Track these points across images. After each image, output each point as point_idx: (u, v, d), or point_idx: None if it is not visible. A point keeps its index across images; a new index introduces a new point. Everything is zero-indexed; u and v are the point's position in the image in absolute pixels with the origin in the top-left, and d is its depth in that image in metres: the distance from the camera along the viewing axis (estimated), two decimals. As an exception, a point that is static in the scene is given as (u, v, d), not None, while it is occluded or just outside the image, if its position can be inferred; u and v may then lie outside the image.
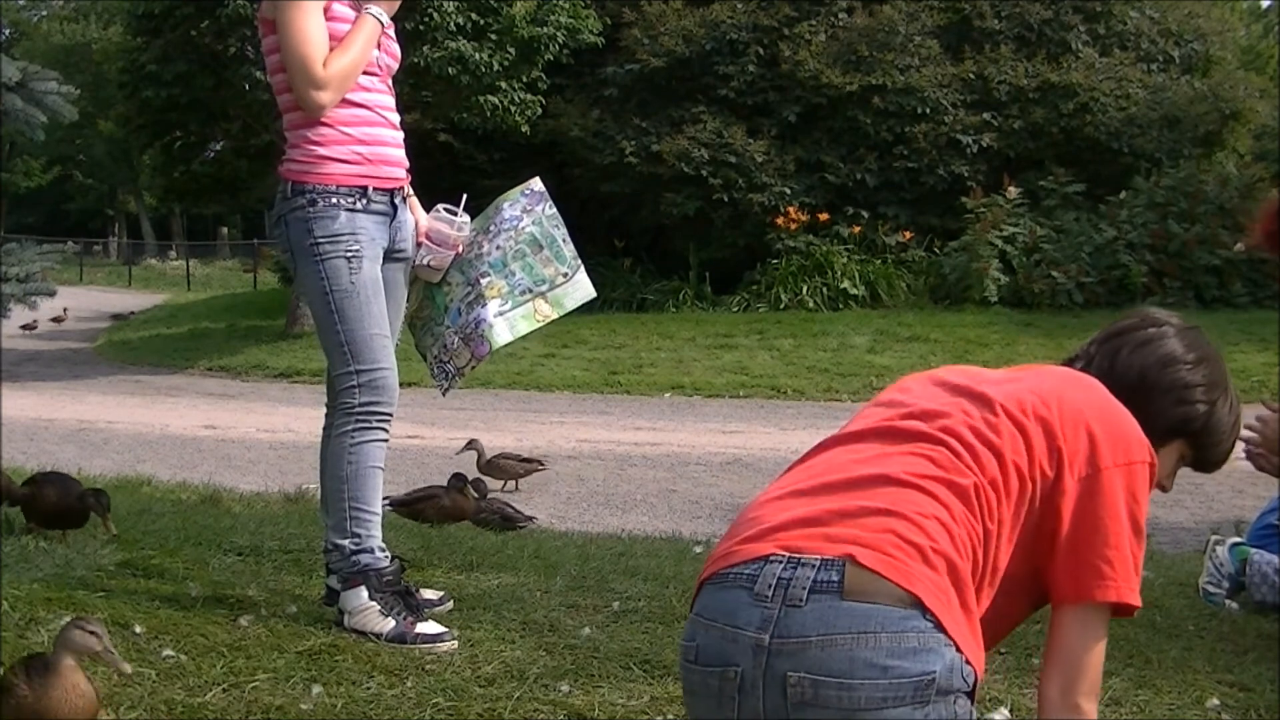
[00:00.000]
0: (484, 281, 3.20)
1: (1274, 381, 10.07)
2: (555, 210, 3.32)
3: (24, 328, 18.45)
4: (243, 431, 9.19)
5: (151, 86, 15.46)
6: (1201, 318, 13.58)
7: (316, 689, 2.49)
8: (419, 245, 3.22)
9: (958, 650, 1.47)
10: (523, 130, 16.12)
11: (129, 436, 8.93)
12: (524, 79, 15.91)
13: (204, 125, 16.84)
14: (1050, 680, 1.64)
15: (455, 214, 3.24)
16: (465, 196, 3.32)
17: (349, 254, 2.97)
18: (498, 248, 3.23)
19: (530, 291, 3.23)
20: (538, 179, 3.40)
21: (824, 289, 15.61)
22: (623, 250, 17.63)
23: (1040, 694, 1.65)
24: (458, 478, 5.03)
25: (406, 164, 3.16)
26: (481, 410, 10.28)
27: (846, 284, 15.59)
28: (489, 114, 15.58)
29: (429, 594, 3.16)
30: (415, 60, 14.78)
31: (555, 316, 3.26)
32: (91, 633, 2.08)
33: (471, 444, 6.48)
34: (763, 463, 7.59)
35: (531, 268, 3.24)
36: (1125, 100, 16.28)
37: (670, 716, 2.45)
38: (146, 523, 4.13)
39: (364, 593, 2.93)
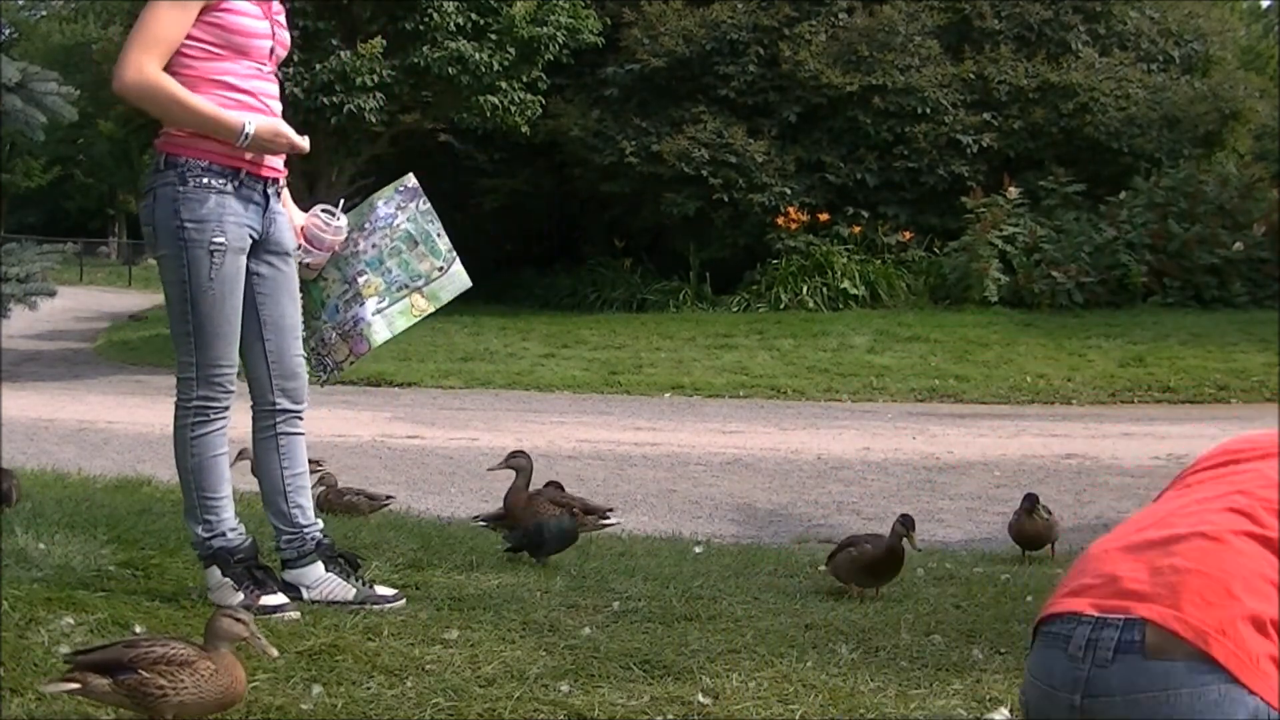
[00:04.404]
0: (361, 280, 3.27)
1: (1274, 381, 10.06)
2: (429, 206, 3.38)
3: None
4: (242, 431, 9.16)
5: (151, 86, 15.45)
6: (1201, 318, 13.58)
7: (316, 689, 2.48)
8: (298, 246, 3.24)
9: (1261, 699, 1.52)
10: (523, 130, 16.12)
11: (129, 436, 8.92)
12: (524, 79, 15.90)
13: (204, 125, 16.84)
14: None
15: (333, 215, 3.28)
16: (343, 200, 3.39)
17: (213, 246, 2.97)
18: (373, 245, 3.29)
19: (407, 287, 3.30)
20: (411, 175, 3.44)
21: (824, 289, 15.62)
22: (623, 250, 17.64)
23: None
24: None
25: (284, 157, 3.15)
26: (482, 410, 10.28)
27: (846, 284, 15.60)
28: (489, 114, 15.57)
29: (383, 590, 3.22)
30: (415, 60, 14.77)
31: (432, 310, 3.34)
32: (239, 620, 2.21)
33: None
34: (763, 463, 7.59)
35: (407, 264, 3.30)
36: (1125, 100, 16.29)
37: (670, 716, 2.44)
38: (146, 523, 4.12)
39: (218, 572, 3.09)
